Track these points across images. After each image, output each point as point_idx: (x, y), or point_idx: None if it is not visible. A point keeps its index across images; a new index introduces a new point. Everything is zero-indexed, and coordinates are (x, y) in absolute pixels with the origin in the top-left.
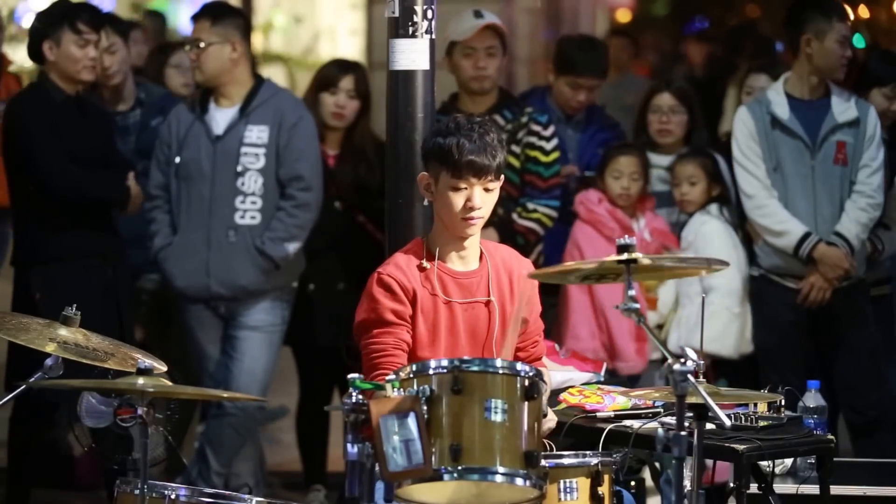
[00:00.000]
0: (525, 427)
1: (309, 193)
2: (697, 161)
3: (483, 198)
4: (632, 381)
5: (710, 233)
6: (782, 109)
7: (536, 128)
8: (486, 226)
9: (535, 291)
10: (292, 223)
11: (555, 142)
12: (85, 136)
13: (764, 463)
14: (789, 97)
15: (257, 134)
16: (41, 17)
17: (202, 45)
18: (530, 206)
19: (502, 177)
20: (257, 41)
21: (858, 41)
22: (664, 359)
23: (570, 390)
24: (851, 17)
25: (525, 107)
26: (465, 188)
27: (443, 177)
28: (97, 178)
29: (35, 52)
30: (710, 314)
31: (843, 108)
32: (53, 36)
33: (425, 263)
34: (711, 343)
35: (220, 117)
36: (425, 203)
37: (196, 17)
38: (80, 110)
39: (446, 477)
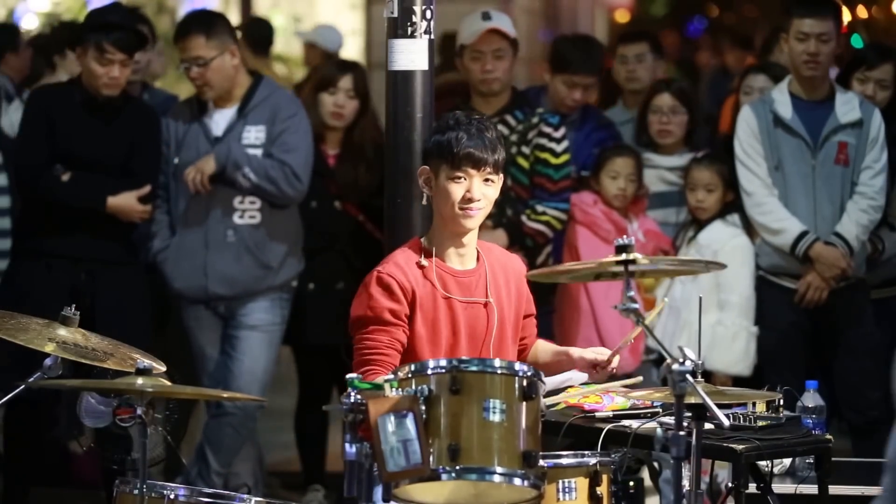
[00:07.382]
0: (523, 427)
1: (297, 182)
2: (714, 168)
3: (482, 189)
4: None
5: (737, 248)
6: (785, 109)
7: (547, 129)
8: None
9: (526, 285)
10: (274, 169)
11: (565, 144)
12: (97, 141)
13: (762, 463)
14: (793, 97)
15: (255, 134)
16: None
17: (202, 62)
18: (539, 208)
19: (502, 175)
20: None
21: (857, 41)
22: (660, 359)
23: (569, 390)
24: (845, 14)
25: (536, 107)
26: (464, 179)
27: (442, 169)
28: (78, 182)
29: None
30: (731, 336)
31: (846, 109)
32: (82, 45)
33: (423, 261)
34: (735, 365)
35: (219, 118)
36: (424, 202)
37: (185, 34)
38: (102, 115)
39: (444, 477)
